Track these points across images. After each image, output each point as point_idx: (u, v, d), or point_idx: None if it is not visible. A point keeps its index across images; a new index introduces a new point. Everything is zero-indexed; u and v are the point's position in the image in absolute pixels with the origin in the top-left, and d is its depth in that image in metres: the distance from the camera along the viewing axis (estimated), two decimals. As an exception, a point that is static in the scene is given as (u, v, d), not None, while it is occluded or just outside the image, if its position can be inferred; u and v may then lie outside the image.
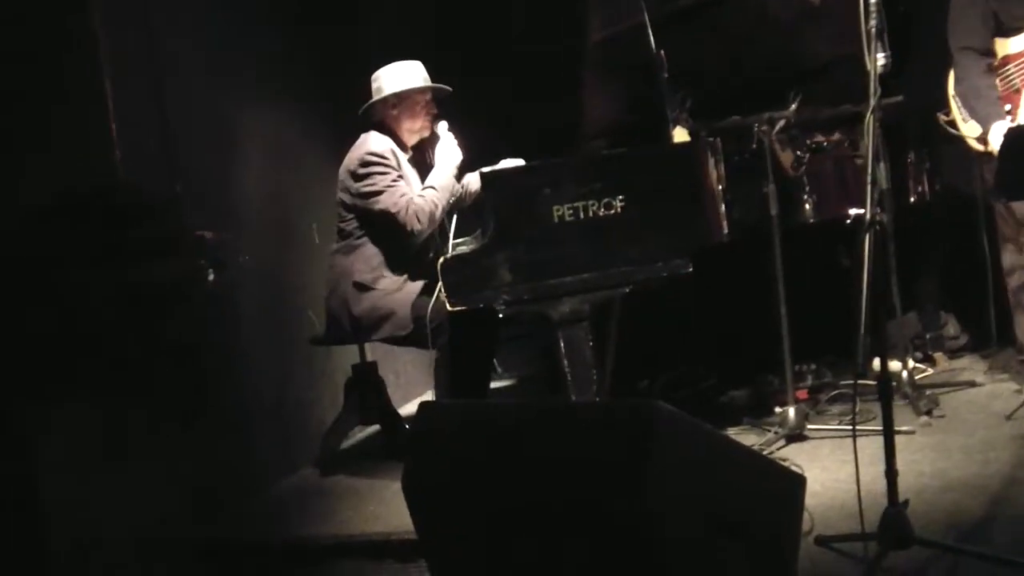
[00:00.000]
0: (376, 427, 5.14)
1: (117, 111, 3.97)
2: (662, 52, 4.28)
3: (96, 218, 3.81)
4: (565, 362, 4.04)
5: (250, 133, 4.97)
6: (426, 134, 4.66)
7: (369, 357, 4.92)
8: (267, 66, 5.14)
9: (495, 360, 5.16)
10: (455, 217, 4.53)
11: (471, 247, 4.20)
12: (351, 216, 4.59)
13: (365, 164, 4.48)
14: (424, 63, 4.72)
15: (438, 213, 4.44)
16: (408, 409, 5.49)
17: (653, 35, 4.30)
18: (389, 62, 4.68)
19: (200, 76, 4.54)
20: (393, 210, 4.40)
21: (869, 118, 3.33)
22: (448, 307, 4.01)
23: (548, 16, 5.69)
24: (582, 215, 3.93)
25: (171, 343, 3.99)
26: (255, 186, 4.97)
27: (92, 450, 3.71)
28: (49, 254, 3.66)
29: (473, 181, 4.76)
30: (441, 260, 4.01)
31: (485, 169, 4.37)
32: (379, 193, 4.44)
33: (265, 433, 4.78)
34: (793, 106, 4.46)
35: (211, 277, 4.27)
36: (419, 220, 4.39)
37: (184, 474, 4.03)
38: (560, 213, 3.93)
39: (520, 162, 4.52)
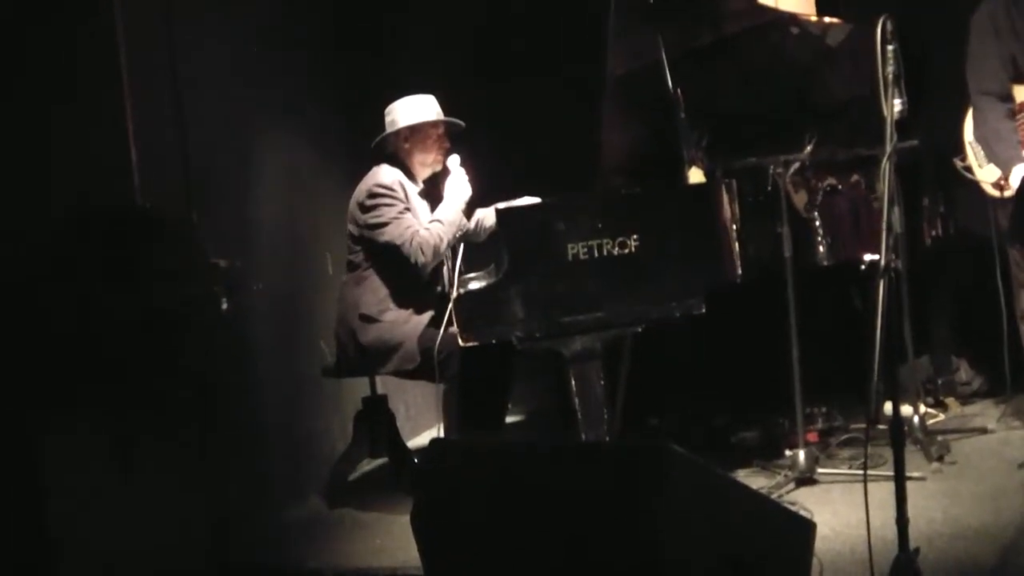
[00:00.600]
0: (385, 460, 5.13)
1: (137, 136, 4.00)
2: (679, 90, 4.32)
3: (113, 241, 3.83)
4: (576, 399, 4.05)
5: (267, 161, 5.00)
6: (438, 168, 4.68)
7: (380, 390, 4.93)
8: (287, 94, 5.17)
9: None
10: (460, 250, 4.56)
11: (485, 282, 4.23)
12: (359, 248, 4.61)
13: (372, 196, 4.51)
14: (446, 96, 4.74)
15: (443, 246, 4.46)
16: (417, 442, 5.49)
17: (671, 73, 4.34)
18: (408, 94, 4.71)
19: (220, 103, 4.58)
20: (398, 242, 4.42)
21: (885, 164, 3.35)
22: (461, 342, 4.02)
23: (567, 50, 5.71)
24: (596, 253, 3.96)
25: (183, 369, 3.99)
26: (270, 215, 5.00)
27: (102, 474, 3.72)
28: (65, 275, 3.68)
29: (488, 217, 4.79)
30: (455, 295, 4.03)
31: (500, 205, 4.43)
32: (385, 225, 4.47)
33: (274, 462, 4.79)
34: (808, 148, 4.47)
35: (224, 305, 4.27)
36: (423, 252, 4.40)
37: (193, 500, 4.03)
38: (575, 251, 3.96)
39: (536, 199, 4.55)
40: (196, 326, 4.00)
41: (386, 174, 4.57)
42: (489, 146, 5.70)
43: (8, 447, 3.48)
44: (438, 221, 4.49)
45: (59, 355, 3.59)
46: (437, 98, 4.73)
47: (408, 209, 4.52)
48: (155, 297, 3.79)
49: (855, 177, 4.67)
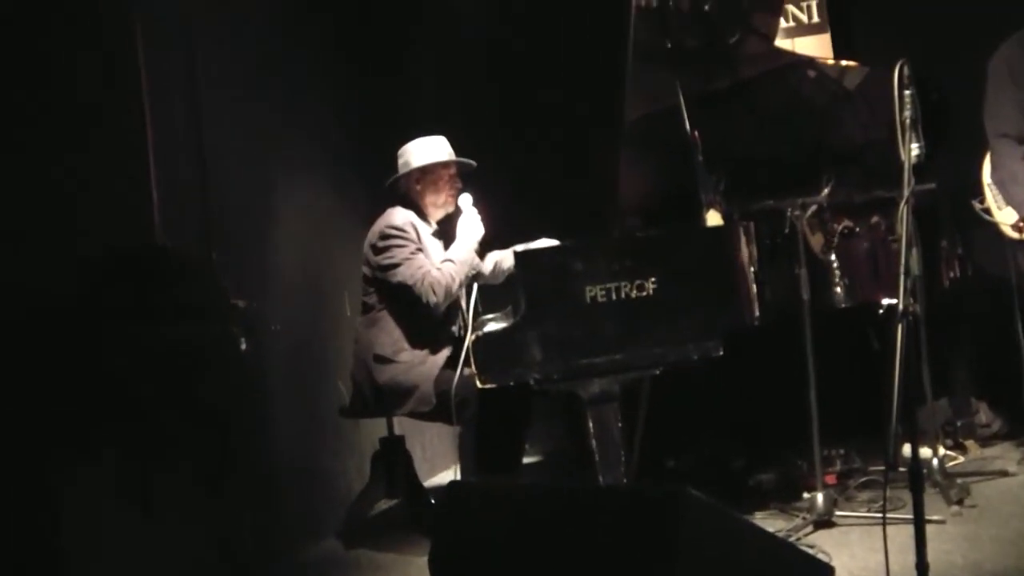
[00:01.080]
0: (402, 500, 5.13)
1: (159, 178, 4.05)
2: (696, 133, 4.35)
3: (134, 282, 3.86)
4: (593, 441, 4.05)
5: (286, 202, 5.04)
6: (451, 208, 4.72)
7: (397, 430, 4.94)
8: (306, 136, 5.22)
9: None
10: (475, 290, 4.58)
11: (502, 324, 4.24)
12: (372, 289, 4.65)
13: (385, 237, 4.55)
14: (465, 136, 4.78)
15: (455, 287, 4.48)
16: (434, 483, 5.49)
17: (688, 116, 4.37)
18: (427, 135, 4.75)
19: (240, 145, 4.62)
20: (409, 282, 4.45)
21: (902, 208, 3.37)
22: (479, 384, 4.03)
23: (585, 92, 5.75)
24: (614, 296, 3.97)
25: (202, 408, 4.01)
26: (289, 255, 5.02)
27: (120, 513, 3.73)
28: (88, 315, 3.71)
29: (506, 258, 4.81)
30: (472, 337, 4.04)
31: (519, 247, 4.44)
32: (397, 266, 4.50)
33: (291, 502, 4.79)
34: (826, 190, 4.50)
35: (243, 345, 4.30)
36: (435, 292, 4.42)
37: (209, 539, 4.04)
38: (592, 293, 3.97)
39: (554, 242, 4.57)
40: (215, 366, 4.03)
41: (398, 215, 4.61)
42: (506, 187, 5.75)
43: (27, 485, 3.50)
44: (450, 261, 4.52)
45: (80, 394, 3.62)
46: (457, 138, 4.77)
47: (420, 250, 4.56)
48: (175, 337, 3.82)
49: (875, 219, 4.67)
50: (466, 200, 4.65)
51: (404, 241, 4.53)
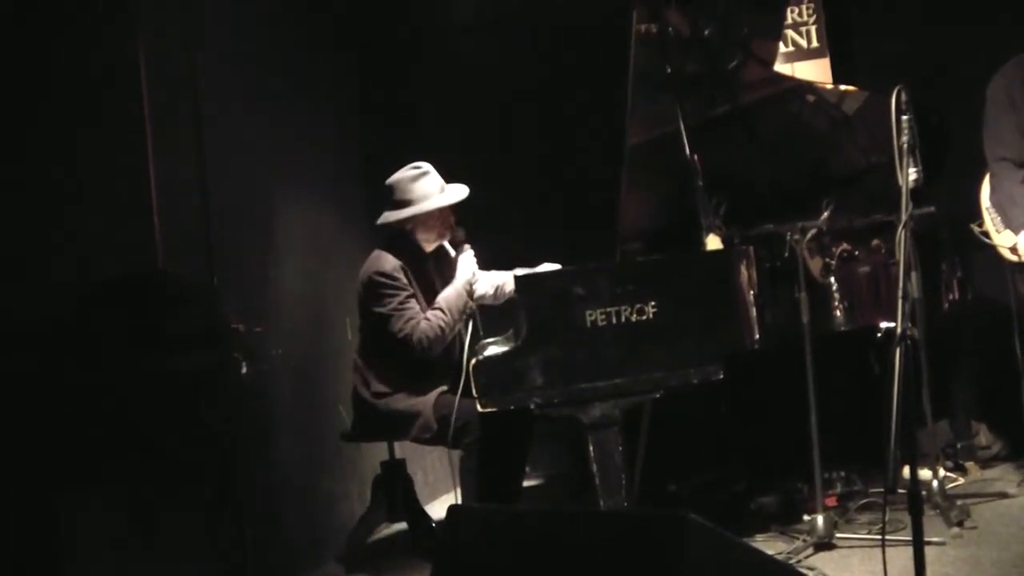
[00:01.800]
0: (403, 524, 5.13)
1: (160, 198, 4.06)
2: (696, 158, 4.36)
3: (134, 306, 3.88)
4: (595, 465, 4.06)
5: (289, 225, 5.06)
6: (445, 239, 4.70)
7: (398, 454, 4.95)
8: (309, 160, 5.24)
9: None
10: (475, 317, 4.56)
11: (504, 348, 4.25)
12: (366, 323, 4.66)
13: (375, 285, 4.53)
14: (466, 161, 4.79)
15: (446, 334, 4.48)
16: (435, 507, 5.49)
17: (688, 141, 4.38)
18: (430, 159, 4.72)
19: (243, 170, 4.64)
20: (400, 334, 4.45)
21: (901, 232, 3.39)
22: (479, 407, 4.04)
23: (586, 117, 5.78)
24: (615, 320, 3.98)
25: (203, 433, 4.02)
26: (291, 278, 5.05)
27: (120, 537, 3.74)
28: (89, 342, 3.73)
29: (507, 282, 4.81)
30: (473, 361, 4.05)
31: (520, 272, 4.45)
32: (388, 317, 4.49)
33: (292, 526, 4.80)
34: (825, 214, 4.52)
35: (244, 369, 4.31)
36: (424, 345, 4.44)
37: (211, 563, 4.05)
38: (593, 318, 3.98)
39: (556, 266, 4.58)
40: (217, 392, 4.04)
41: (386, 261, 4.57)
42: (507, 211, 5.77)
43: (30, 513, 3.52)
44: (440, 310, 4.51)
45: (81, 421, 3.63)
46: (458, 162, 4.77)
47: (412, 296, 4.55)
48: (176, 363, 3.84)
49: (874, 242, 4.69)
50: (467, 252, 4.64)
51: (394, 290, 4.51)
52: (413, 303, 4.54)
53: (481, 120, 6.13)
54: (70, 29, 3.89)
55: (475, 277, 4.60)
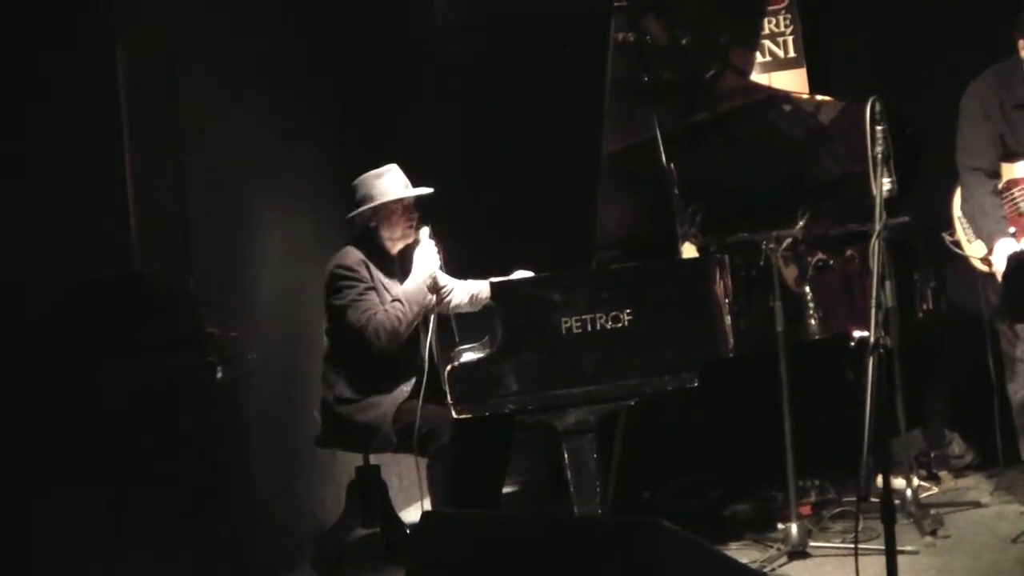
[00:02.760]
0: (377, 530, 5.11)
1: (137, 204, 4.04)
2: (673, 166, 4.36)
3: (109, 309, 3.86)
4: (569, 472, 4.06)
5: (266, 228, 5.05)
6: (409, 239, 4.67)
7: (373, 460, 4.92)
8: (288, 162, 5.22)
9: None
10: (433, 321, 4.51)
11: (479, 355, 4.24)
12: (329, 327, 4.64)
13: (335, 278, 4.53)
14: (442, 167, 4.78)
15: (402, 328, 4.43)
16: (410, 513, 5.47)
17: (665, 149, 4.38)
18: (410, 161, 4.73)
19: (220, 168, 4.62)
20: (356, 325, 4.43)
21: (875, 242, 3.40)
22: (454, 414, 4.04)
23: (564, 126, 5.78)
24: (590, 327, 3.99)
25: (178, 438, 4.00)
26: (268, 281, 5.03)
27: (95, 542, 3.72)
28: (63, 345, 3.70)
29: (483, 290, 4.78)
30: (448, 367, 4.05)
31: (495, 279, 4.43)
32: (345, 309, 4.47)
33: (267, 530, 4.77)
34: (801, 223, 4.54)
35: (219, 374, 4.29)
36: (379, 336, 4.39)
37: (186, 567, 4.03)
38: (568, 325, 3.99)
39: (530, 274, 4.55)
40: (191, 394, 4.02)
41: (348, 254, 4.57)
42: (481, 219, 5.76)
43: (3, 517, 3.49)
44: (398, 301, 4.48)
45: (54, 426, 3.61)
46: (434, 167, 4.76)
47: (372, 288, 4.52)
48: (152, 370, 3.82)
49: (849, 251, 4.72)
50: (425, 232, 4.59)
51: (353, 282, 4.50)
52: (372, 296, 4.50)
53: (461, 124, 6.12)
54: (45, 28, 3.86)
55: (437, 269, 4.52)
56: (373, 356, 4.45)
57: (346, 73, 6.00)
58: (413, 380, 4.49)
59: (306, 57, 5.68)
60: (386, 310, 4.45)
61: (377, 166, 4.72)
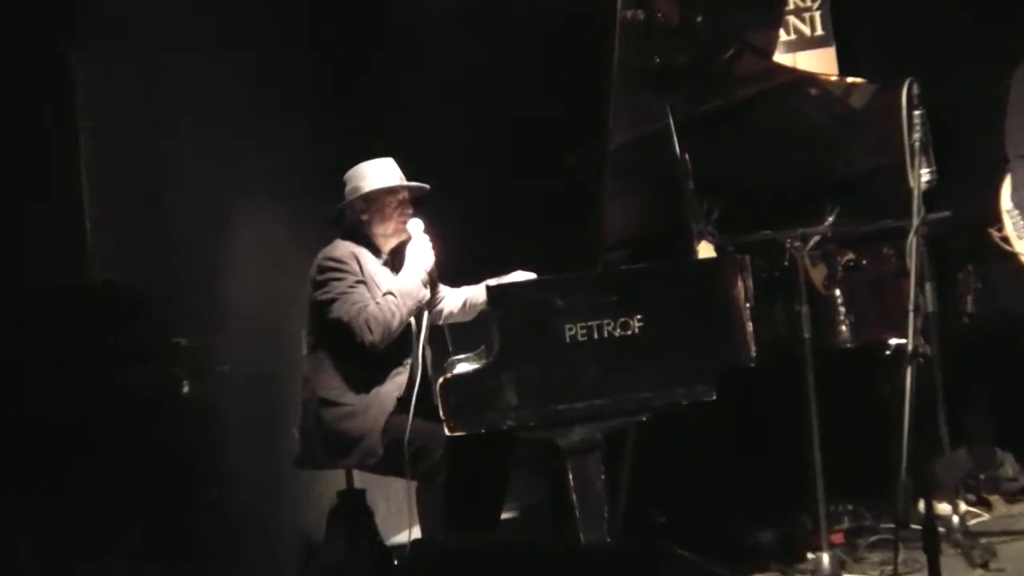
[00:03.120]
0: (361, 560, 5.10)
1: (93, 202, 4.05)
2: (687, 158, 4.36)
3: (63, 318, 3.86)
4: (574, 495, 4.05)
5: (240, 227, 5.06)
6: (402, 236, 4.69)
7: (357, 483, 4.91)
8: (262, 157, 5.22)
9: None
10: (425, 322, 4.56)
11: (474, 366, 4.24)
12: (314, 327, 4.64)
13: (322, 270, 4.54)
14: (432, 162, 4.79)
15: (395, 322, 4.45)
16: (398, 541, 5.47)
17: (678, 140, 4.38)
18: (397, 159, 4.75)
19: (187, 166, 4.63)
20: (345, 319, 4.43)
21: (912, 239, 3.40)
22: (447, 431, 4.03)
23: (567, 116, 5.79)
24: (596, 335, 3.98)
25: (141, 459, 4.01)
26: (242, 286, 5.04)
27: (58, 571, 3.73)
28: (8, 356, 3.71)
29: (478, 294, 4.79)
30: (440, 380, 4.05)
31: (491, 282, 4.44)
32: (333, 301, 4.48)
33: (243, 559, 4.78)
34: (829, 220, 4.53)
35: (186, 388, 4.30)
36: (370, 330, 4.41)
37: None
38: (572, 332, 3.98)
39: (530, 275, 4.57)
40: (154, 411, 4.02)
41: (338, 247, 4.61)
42: (478, 216, 5.77)
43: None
44: (391, 294, 4.50)
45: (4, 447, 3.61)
46: (423, 163, 4.77)
47: (362, 282, 4.54)
48: (111, 385, 3.82)
49: (885, 250, 4.71)
50: (416, 226, 4.63)
51: (342, 274, 4.51)
52: (362, 289, 4.52)
53: (451, 118, 6.14)
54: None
55: (432, 266, 4.60)
56: (361, 355, 4.46)
57: (328, 65, 6.01)
58: (403, 385, 4.50)
59: (280, 46, 5.68)
60: (378, 303, 4.47)
61: (361, 161, 4.74)
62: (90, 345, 3.84)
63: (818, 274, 4.56)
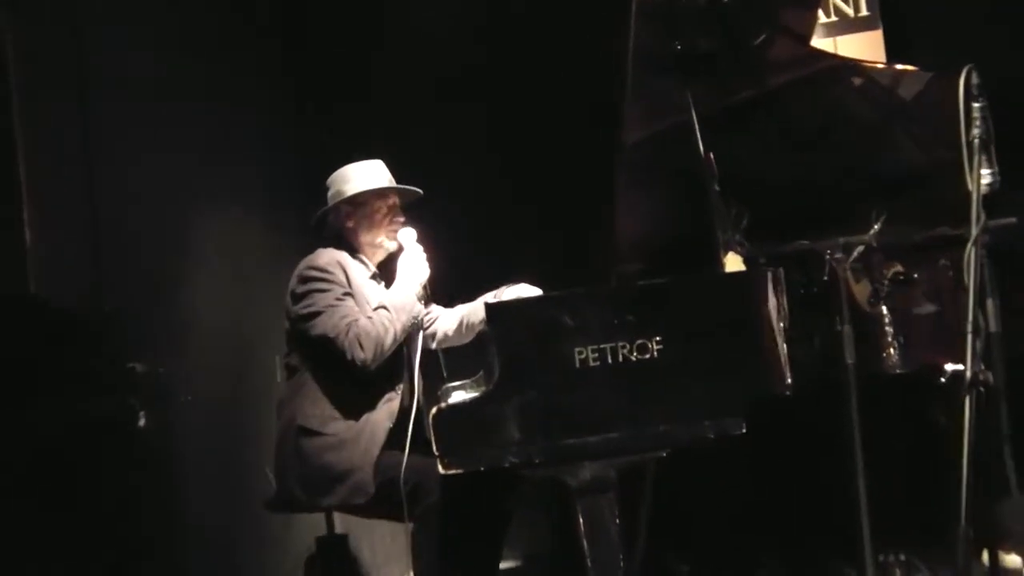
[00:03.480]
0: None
1: (34, 207, 4.01)
2: (712, 157, 4.33)
3: None
4: (584, 541, 4.00)
5: (204, 238, 5.06)
6: (392, 247, 4.70)
7: (339, 527, 4.88)
8: (231, 156, 5.22)
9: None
10: (419, 343, 4.57)
11: (471, 394, 4.25)
12: (294, 347, 4.61)
13: (305, 280, 4.51)
14: (422, 164, 4.77)
15: (389, 339, 4.42)
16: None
17: (702, 136, 4.35)
18: (383, 161, 4.74)
19: (143, 171, 4.62)
20: (331, 334, 4.39)
21: (970, 249, 3.34)
22: (441, 469, 3.97)
23: (576, 111, 5.77)
24: (610, 359, 3.92)
25: (90, 500, 3.98)
26: (206, 305, 5.07)
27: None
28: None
29: (476, 312, 4.76)
30: (433, 411, 3.99)
31: (490, 298, 4.42)
32: (317, 315, 4.45)
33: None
34: (875, 227, 4.48)
35: (142, 420, 4.27)
36: (361, 347, 4.37)
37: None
38: (583, 356, 3.92)
39: (535, 291, 4.55)
40: (104, 448, 3.99)
41: (320, 254, 4.58)
42: (474, 224, 5.73)
43: None
44: (383, 308, 4.47)
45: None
46: (413, 166, 4.76)
47: (349, 294, 4.52)
48: (51, 411, 3.78)
49: (941, 262, 4.68)
50: (409, 235, 4.63)
51: (328, 284, 4.48)
52: (351, 302, 4.49)
53: (443, 111, 6.16)
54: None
55: (426, 278, 4.59)
56: (350, 376, 4.42)
57: (303, 56, 6.01)
58: (395, 413, 4.47)
59: (251, 35, 5.68)
60: (369, 317, 4.44)
61: (345, 162, 4.72)
62: (27, 371, 3.79)
63: (862, 290, 4.53)
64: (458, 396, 4.40)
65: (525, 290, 4.59)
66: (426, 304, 4.70)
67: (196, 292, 4.96)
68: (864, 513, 4.31)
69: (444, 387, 4.58)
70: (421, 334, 4.60)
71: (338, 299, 4.45)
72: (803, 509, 5.33)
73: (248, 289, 5.29)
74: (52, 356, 3.89)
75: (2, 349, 3.78)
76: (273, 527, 5.15)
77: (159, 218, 4.74)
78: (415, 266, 4.57)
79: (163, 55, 4.86)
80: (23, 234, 3.98)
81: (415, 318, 4.55)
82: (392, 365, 4.52)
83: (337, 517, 4.87)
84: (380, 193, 4.66)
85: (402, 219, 4.68)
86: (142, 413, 4.25)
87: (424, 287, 4.59)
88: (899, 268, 4.58)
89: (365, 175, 4.67)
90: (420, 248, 4.60)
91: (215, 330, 5.05)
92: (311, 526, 4.98)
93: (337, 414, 4.48)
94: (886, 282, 4.57)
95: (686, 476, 4.71)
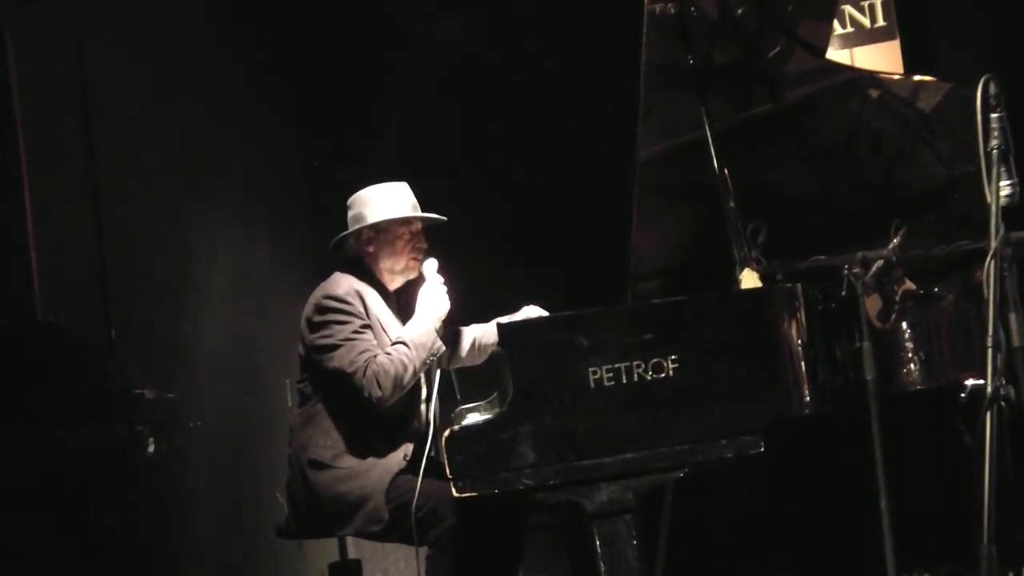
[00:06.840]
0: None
1: (39, 231, 4.03)
2: (727, 173, 4.35)
3: (5, 368, 3.85)
4: (601, 565, 4.00)
5: (212, 262, 5.07)
6: (412, 275, 4.67)
7: (352, 553, 4.89)
8: (241, 177, 5.24)
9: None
10: (437, 377, 4.55)
11: (484, 416, 4.22)
12: (307, 376, 4.61)
13: (322, 311, 4.49)
14: (434, 185, 4.78)
15: (407, 376, 4.41)
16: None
17: (717, 151, 4.37)
18: (391, 179, 4.72)
19: (149, 192, 4.64)
20: (348, 370, 4.38)
21: (989, 263, 3.36)
22: (455, 492, 3.98)
23: (587, 128, 5.81)
24: (625, 379, 3.94)
25: (99, 528, 3.99)
26: (215, 330, 5.07)
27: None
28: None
29: (489, 333, 4.79)
30: (447, 433, 4.00)
31: (503, 320, 4.41)
32: (335, 348, 4.44)
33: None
34: (895, 241, 4.47)
35: (151, 447, 4.28)
36: (379, 385, 4.36)
37: None
38: (597, 376, 3.94)
39: (543, 312, 4.57)
40: (111, 475, 4.00)
41: (341, 283, 4.56)
42: (488, 245, 5.76)
43: None
44: (402, 343, 4.46)
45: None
46: (420, 185, 4.75)
47: (368, 326, 4.51)
48: (60, 443, 3.79)
49: (968, 275, 4.64)
50: (431, 266, 4.60)
51: (346, 316, 4.47)
52: (369, 335, 4.48)
53: (454, 132, 6.16)
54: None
55: (445, 312, 4.55)
56: (365, 411, 4.41)
57: (312, 66, 6.02)
58: (411, 447, 4.46)
59: (255, 48, 5.70)
60: (388, 353, 4.42)
61: (348, 183, 4.71)
62: (40, 399, 3.81)
63: (873, 305, 4.51)
64: (471, 419, 4.39)
65: (534, 312, 4.60)
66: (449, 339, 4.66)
67: (203, 315, 4.97)
68: (887, 533, 4.23)
69: (457, 409, 4.58)
70: (439, 372, 4.56)
71: (356, 332, 4.44)
72: (824, 530, 5.31)
73: (257, 313, 5.30)
74: (60, 383, 3.89)
75: (9, 376, 3.79)
76: (285, 553, 5.15)
77: (164, 241, 4.76)
78: (435, 301, 4.54)
79: (166, 80, 4.87)
80: (30, 260, 3.99)
81: (434, 354, 4.52)
82: (408, 403, 4.51)
83: (350, 541, 4.88)
84: (404, 220, 4.64)
85: (424, 245, 4.66)
86: (151, 439, 4.25)
87: (444, 322, 4.55)
88: (922, 283, 4.58)
89: (388, 200, 4.64)
90: (440, 279, 4.57)
91: (223, 353, 5.06)
92: (324, 551, 5.00)
93: (348, 448, 4.48)
94: (908, 299, 4.57)
95: (705, 498, 4.70)
